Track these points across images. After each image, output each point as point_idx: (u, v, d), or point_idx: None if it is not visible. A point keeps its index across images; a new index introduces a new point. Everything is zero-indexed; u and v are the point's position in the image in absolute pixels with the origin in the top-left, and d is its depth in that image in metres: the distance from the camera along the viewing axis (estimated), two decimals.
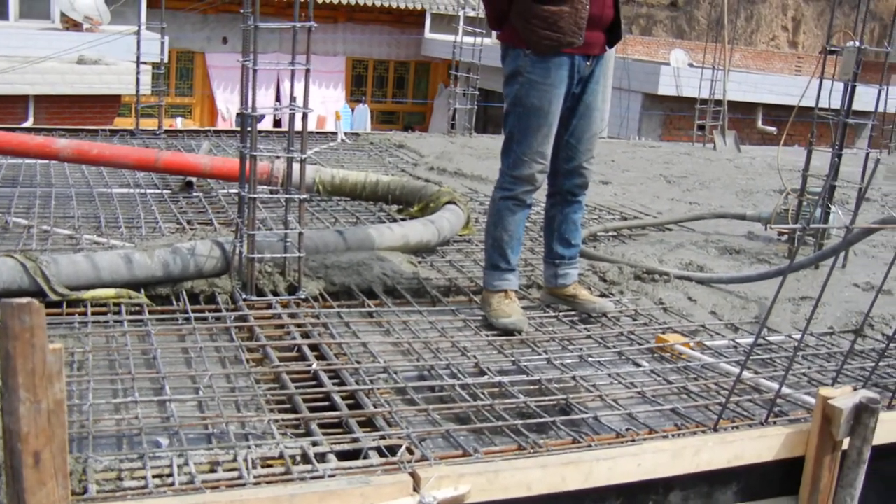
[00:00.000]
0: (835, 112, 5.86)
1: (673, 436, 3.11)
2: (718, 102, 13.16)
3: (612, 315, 4.45)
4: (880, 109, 5.97)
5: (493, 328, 4.10)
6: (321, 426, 3.01)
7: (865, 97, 7.21)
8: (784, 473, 3.16)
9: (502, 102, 4.29)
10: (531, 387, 3.50)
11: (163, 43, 9.98)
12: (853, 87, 5.84)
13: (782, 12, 60.79)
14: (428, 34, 28.61)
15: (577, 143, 4.28)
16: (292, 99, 4.15)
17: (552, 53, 4.08)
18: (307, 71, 4.11)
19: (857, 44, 5.87)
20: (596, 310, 4.43)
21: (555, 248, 4.44)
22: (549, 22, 4.02)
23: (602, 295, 4.70)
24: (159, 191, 6.55)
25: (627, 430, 3.16)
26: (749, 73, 24.39)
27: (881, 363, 3.82)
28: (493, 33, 5.01)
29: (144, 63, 9.84)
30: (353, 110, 25.79)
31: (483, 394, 3.37)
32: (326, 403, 3.22)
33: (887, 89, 5.89)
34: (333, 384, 3.36)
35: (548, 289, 4.54)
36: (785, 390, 3.40)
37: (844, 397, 2.98)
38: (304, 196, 4.30)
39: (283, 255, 4.31)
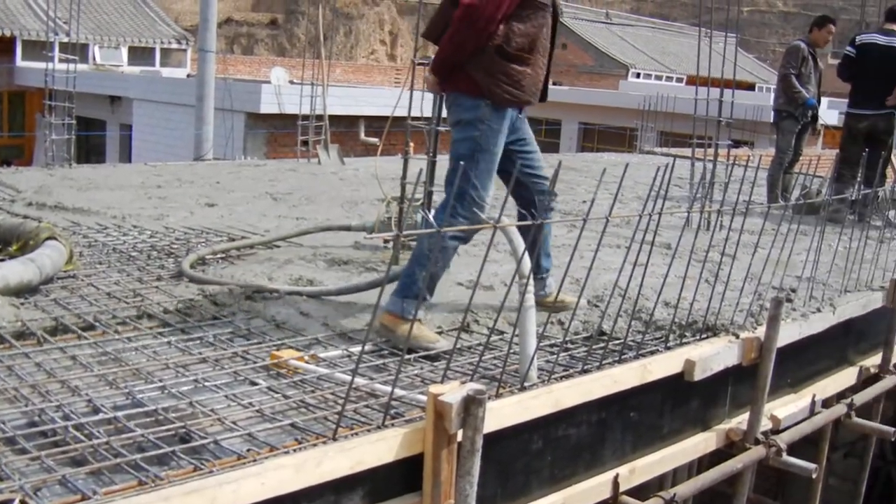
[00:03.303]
0: (427, 120, 6.11)
1: (294, 450, 3.12)
2: (320, 118, 13.38)
3: (224, 336, 4.42)
4: None
5: (103, 364, 3.97)
6: None
7: None
8: (406, 472, 3.24)
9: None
10: (148, 419, 3.40)
11: None
12: (441, 97, 6.10)
13: (380, 27, 62.86)
14: (20, 62, 27.44)
15: (536, 170, 4.90)
16: None
17: (508, 106, 4.56)
18: None
19: None
20: None
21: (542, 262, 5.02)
22: (514, 80, 4.53)
23: (214, 318, 4.68)
24: None
25: (249, 450, 3.14)
26: (350, 86, 25.05)
27: (486, 355, 4.02)
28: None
29: None
30: None
31: (99, 432, 3.24)
32: None
33: None
34: None
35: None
36: (399, 392, 3.50)
37: (453, 392, 3.10)
38: None
39: None
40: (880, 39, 10.01)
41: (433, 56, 4.72)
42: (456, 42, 4.51)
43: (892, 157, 10.38)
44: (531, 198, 4.78)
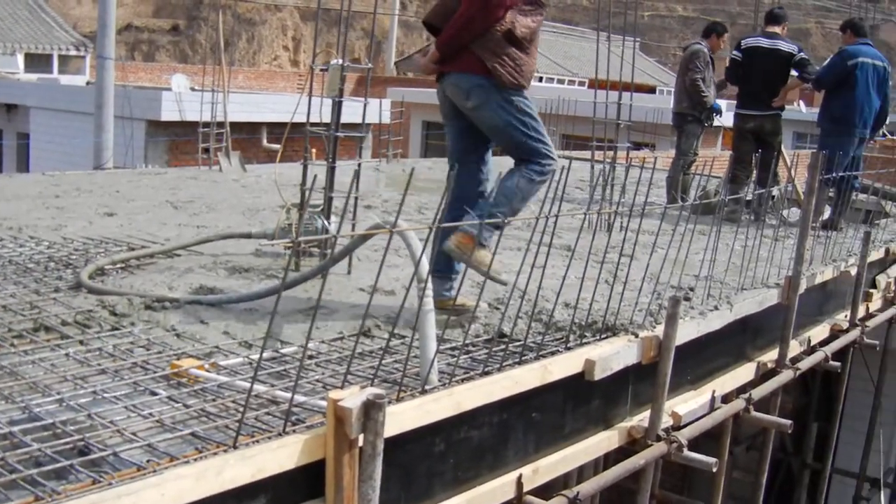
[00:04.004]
0: (326, 126, 6.10)
1: (195, 460, 3.10)
2: (222, 125, 13.27)
3: (124, 347, 4.36)
4: (375, 121, 6.29)
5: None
6: None
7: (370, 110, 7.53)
8: (309, 478, 3.23)
9: None
10: (45, 432, 3.34)
11: None
12: (340, 103, 6.12)
13: (283, 33, 62.56)
14: None
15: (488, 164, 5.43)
16: None
17: (509, 86, 4.92)
18: None
19: (340, 61, 6.17)
20: None
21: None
22: (516, 63, 4.91)
23: (113, 328, 4.62)
24: None
25: (149, 461, 3.11)
26: (252, 93, 24.87)
27: (387, 359, 4.02)
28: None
29: None
30: None
31: None
32: None
33: (381, 103, 6.25)
34: None
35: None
36: (300, 398, 3.50)
37: (353, 397, 3.10)
38: None
39: None
40: (764, 42, 10.29)
41: (436, 38, 5.05)
42: (466, 18, 4.84)
43: (785, 153, 10.63)
44: (471, 181, 5.25)
